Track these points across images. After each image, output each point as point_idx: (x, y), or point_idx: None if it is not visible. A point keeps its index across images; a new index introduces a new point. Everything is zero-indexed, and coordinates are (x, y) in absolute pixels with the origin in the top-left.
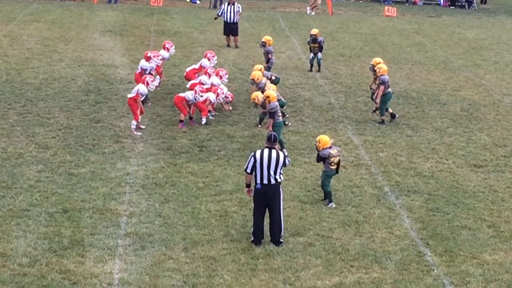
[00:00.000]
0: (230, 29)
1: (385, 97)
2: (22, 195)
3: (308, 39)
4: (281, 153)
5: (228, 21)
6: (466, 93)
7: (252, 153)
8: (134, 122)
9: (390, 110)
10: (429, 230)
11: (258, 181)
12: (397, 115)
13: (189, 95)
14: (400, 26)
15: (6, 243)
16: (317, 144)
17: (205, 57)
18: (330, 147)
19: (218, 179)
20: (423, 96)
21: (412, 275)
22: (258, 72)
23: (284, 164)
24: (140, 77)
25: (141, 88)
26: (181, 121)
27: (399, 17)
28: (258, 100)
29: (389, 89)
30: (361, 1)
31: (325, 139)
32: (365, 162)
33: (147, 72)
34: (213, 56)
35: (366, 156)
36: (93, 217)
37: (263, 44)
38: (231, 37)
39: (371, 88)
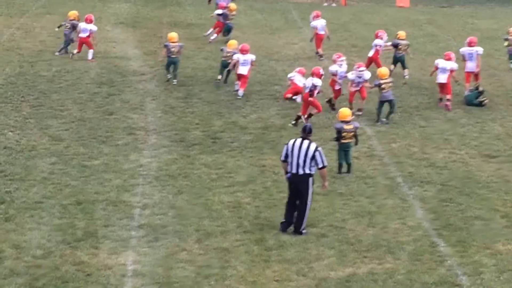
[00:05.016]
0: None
1: None
2: (36, 187)
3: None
4: (312, 145)
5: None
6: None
7: (288, 142)
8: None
9: None
10: (442, 221)
11: (289, 170)
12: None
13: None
14: (413, 17)
15: (20, 235)
16: (337, 115)
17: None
18: (348, 122)
19: (231, 171)
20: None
21: (425, 266)
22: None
23: (314, 157)
24: None
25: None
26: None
27: (412, 7)
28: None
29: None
30: None
31: (344, 112)
32: (378, 153)
33: None
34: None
35: (379, 146)
36: (106, 209)
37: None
38: None
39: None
